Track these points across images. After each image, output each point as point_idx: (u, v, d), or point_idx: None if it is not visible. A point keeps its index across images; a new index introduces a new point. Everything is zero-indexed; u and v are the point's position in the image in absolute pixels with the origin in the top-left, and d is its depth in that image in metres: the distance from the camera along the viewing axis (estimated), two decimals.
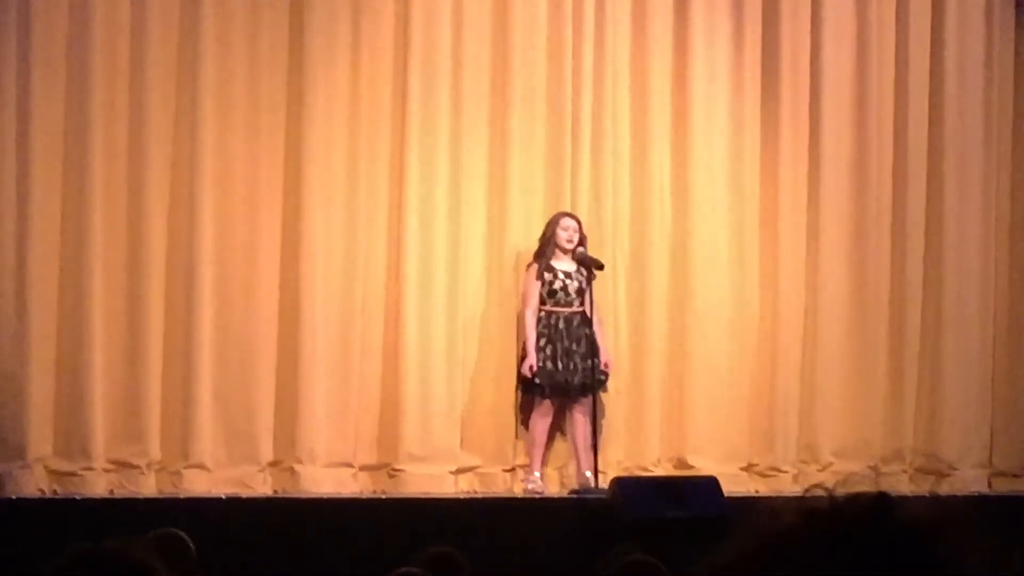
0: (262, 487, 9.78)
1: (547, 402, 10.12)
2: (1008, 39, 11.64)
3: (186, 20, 9.81)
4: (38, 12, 9.51)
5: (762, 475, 10.82)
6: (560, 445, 10.34)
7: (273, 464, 9.87)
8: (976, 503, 10.28)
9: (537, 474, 10.11)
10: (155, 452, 9.62)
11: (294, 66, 10.03)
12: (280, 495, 9.73)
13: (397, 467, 10.05)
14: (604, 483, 9.77)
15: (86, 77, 9.57)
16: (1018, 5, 11.69)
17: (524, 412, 10.28)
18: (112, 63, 9.65)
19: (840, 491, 1.46)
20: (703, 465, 10.50)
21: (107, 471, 9.52)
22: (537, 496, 9.92)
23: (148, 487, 9.55)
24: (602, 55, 10.68)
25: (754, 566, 1.46)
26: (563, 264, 10.19)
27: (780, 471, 10.80)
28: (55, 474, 9.44)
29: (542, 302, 10.15)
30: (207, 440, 9.67)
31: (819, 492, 1.47)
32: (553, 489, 10.22)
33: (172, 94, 9.79)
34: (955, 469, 11.16)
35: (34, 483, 9.35)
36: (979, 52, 11.49)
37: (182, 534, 5.69)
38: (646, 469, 10.51)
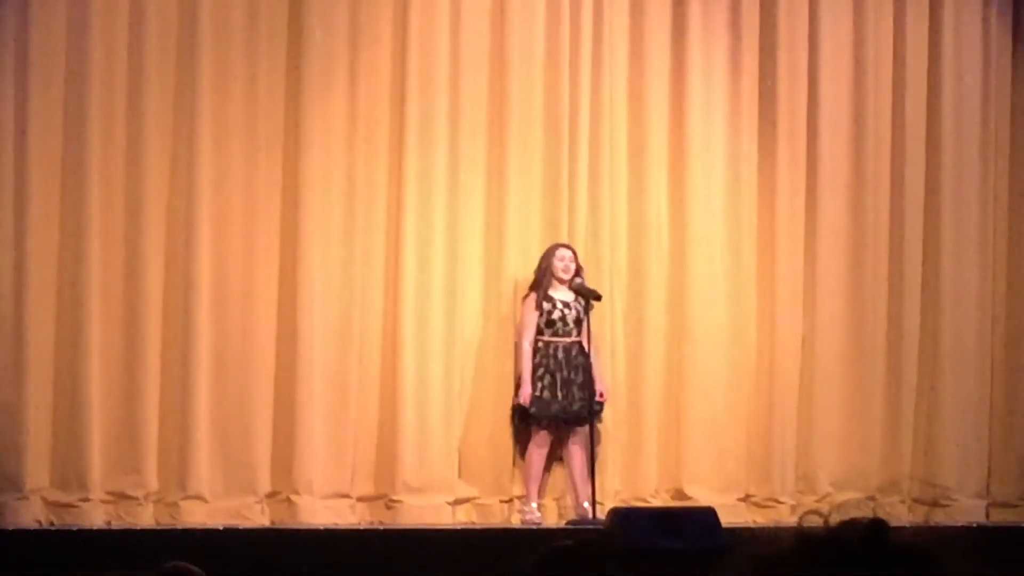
0: (260, 518, 9.76)
1: (544, 432, 10.11)
2: (1005, 60, 11.65)
3: (184, 37, 9.81)
4: (35, 30, 9.50)
5: (760, 506, 10.81)
6: (558, 475, 10.33)
7: (270, 495, 9.85)
8: (974, 533, 10.28)
9: (534, 505, 10.10)
10: (152, 483, 9.60)
11: (291, 95, 10.04)
12: (278, 526, 9.71)
13: (394, 498, 10.04)
14: (601, 514, 9.75)
15: (83, 98, 9.56)
16: (1015, 28, 11.71)
17: (521, 443, 10.27)
18: (109, 83, 9.63)
19: (836, 517, 1.46)
20: (701, 496, 10.49)
21: (104, 502, 9.50)
22: (534, 527, 9.91)
23: (145, 518, 9.53)
24: (599, 85, 10.69)
25: None
26: (561, 294, 10.20)
27: (778, 502, 10.78)
28: (52, 505, 9.42)
29: (540, 332, 10.16)
30: (204, 471, 9.66)
31: (815, 518, 1.48)
32: (551, 520, 10.20)
33: (169, 114, 9.78)
34: (953, 499, 11.15)
35: (31, 514, 9.33)
36: (976, 74, 11.50)
37: (194, 568, 5.64)
38: (644, 500, 10.50)
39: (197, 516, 9.57)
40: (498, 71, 10.53)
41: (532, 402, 10.04)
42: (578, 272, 10.20)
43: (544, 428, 10.10)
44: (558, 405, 10.05)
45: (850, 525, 1.46)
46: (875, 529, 1.45)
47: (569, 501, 10.20)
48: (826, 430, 11.00)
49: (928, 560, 1.44)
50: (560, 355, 10.13)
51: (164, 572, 5.08)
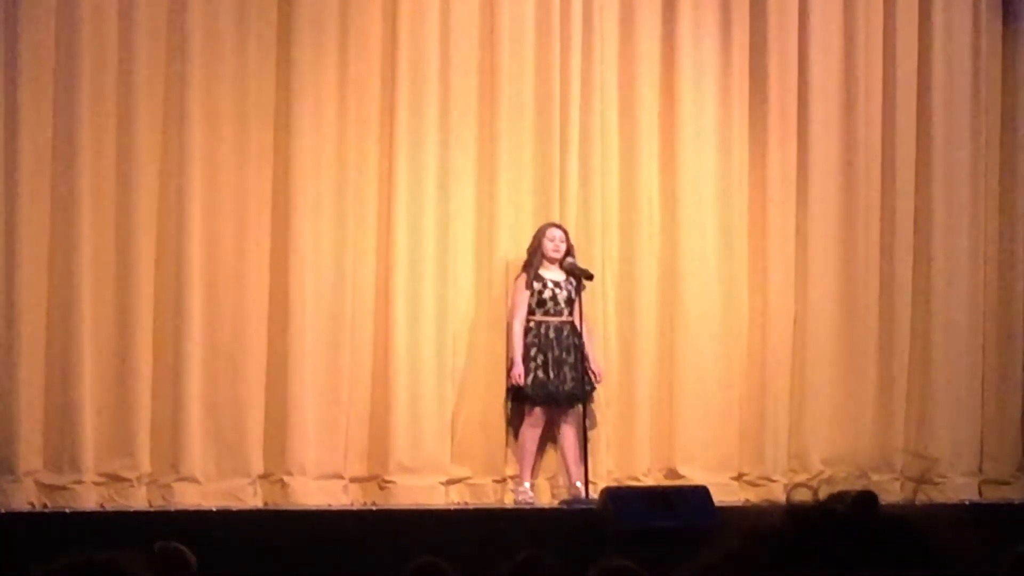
0: (252, 499, 9.76)
1: (537, 412, 10.12)
2: (995, 44, 11.67)
3: (173, 31, 9.79)
4: (25, 24, 9.49)
5: (752, 484, 10.82)
6: (551, 455, 10.34)
7: (263, 476, 9.85)
8: (966, 510, 10.29)
9: (527, 485, 10.11)
10: (145, 465, 9.59)
11: (281, 82, 10.02)
12: (270, 507, 9.72)
13: (387, 479, 10.04)
14: (594, 493, 9.77)
15: (73, 80, 9.53)
16: (1005, 11, 11.72)
17: (514, 423, 10.27)
18: (99, 79, 9.60)
19: (825, 490, 1.46)
20: (693, 475, 10.50)
21: (97, 484, 9.49)
22: (527, 507, 9.92)
23: (138, 500, 9.53)
24: (590, 66, 10.69)
25: (740, 566, 1.46)
26: (552, 274, 10.19)
27: (771, 480, 10.79)
28: (45, 488, 9.41)
29: (532, 312, 10.16)
30: (197, 453, 9.66)
31: (804, 492, 1.48)
32: (544, 500, 10.21)
33: (159, 100, 9.75)
34: (945, 477, 11.15)
35: (24, 497, 9.32)
36: (966, 57, 11.52)
37: (183, 547, 5.69)
38: (636, 479, 10.51)
39: (190, 498, 9.57)
40: (489, 54, 10.52)
41: (525, 382, 10.04)
42: (569, 252, 10.19)
43: (537, 408, 10.10)
44: (551, 385, 10.05)
45: (839, 497, 1.47)
46: (864, 500, 1.45)
47: (562, 481, 10.21)
48: (818, 409, 11.01)
49: (917, 531, 1.44)
50: (552, 335, 10.12)
51: (154, 552, 5.10)
